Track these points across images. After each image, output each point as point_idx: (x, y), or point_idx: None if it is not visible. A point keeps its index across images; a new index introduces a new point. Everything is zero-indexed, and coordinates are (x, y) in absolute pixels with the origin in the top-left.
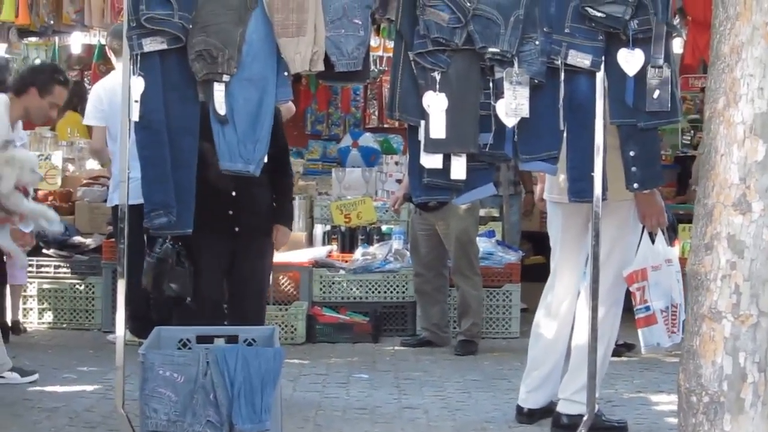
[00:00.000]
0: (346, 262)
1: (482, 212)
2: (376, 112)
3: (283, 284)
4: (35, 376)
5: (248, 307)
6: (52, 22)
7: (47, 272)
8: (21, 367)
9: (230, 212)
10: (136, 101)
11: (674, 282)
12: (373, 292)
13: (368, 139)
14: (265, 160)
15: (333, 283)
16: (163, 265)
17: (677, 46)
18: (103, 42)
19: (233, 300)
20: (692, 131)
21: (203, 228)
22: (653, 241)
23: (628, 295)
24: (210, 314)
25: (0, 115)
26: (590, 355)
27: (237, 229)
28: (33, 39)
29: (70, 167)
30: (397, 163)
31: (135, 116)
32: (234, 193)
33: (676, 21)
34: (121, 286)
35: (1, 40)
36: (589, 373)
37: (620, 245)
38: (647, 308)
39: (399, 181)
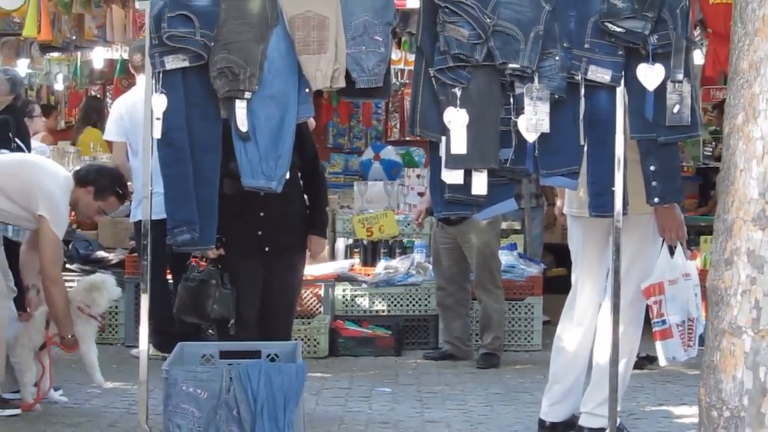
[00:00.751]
0: (369, 275)
1: (504, 225)
2: (398, 125)
3: (305, 298)
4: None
5: (278, 323)
6: (74, 37)
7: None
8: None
9: (259, 232)
10: (158, 119)
11: (691, 296)
12: (395, 306)
13: (390, 152)
14: (288, 176)
15: (355, 297)
16: (206, 287)
17: (698, 57)
18: (125, 57)
19: (263, 316)
20: (713, 143)
21: (234, 249)
22: (672, 255)
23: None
24: (248, 336)
25: (60, 199)
26: (611, 369)
27: (267, 248)
28: (55, 54)
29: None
30: (418, 176)
31: (157, 134)
32: (262, 214)
33: (697, 33)
34: (145, 301)
35: (24, 55)
36: (610, 386)
37: (641, 259)
38: (663, 322)
39: (421, 194)
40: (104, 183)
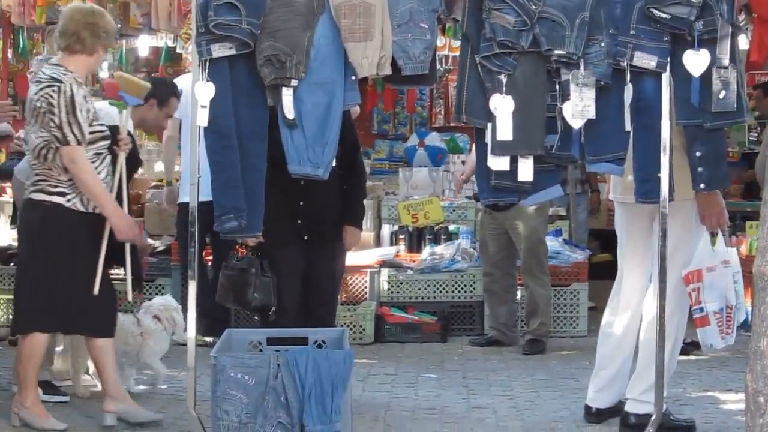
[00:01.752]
0: (414, 262)
1: (550, 211)
2: (443, 112)
3: (351, 284)
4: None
5: (322, 311)
6: (119, 25)
7: (117, 274)
8: None
9: (298, 221)
10: (204, 106)
11: (730, 283)
12: (440, 292)
13: (435, 139)
14: (334, 163)
15: (401, 283)
16: (246, 275)
17: (743, 42)
18: (170, 45)
19: (306, 304)
20: (759, 128)
21: (274, 237)
22: (714, 242)
23: None
24: (290, 323)
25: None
26: (658, 355)
27: (306, 237)
28: None
29: (139, 170)
30: (463, 163)
31: (204, 121)
32: (301, 202)
33: (742, 18)
34: (192, 287)
35: None
36: (656, 372)
37: (683, 245)
38: (701, 309)
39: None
40: (163, 91)
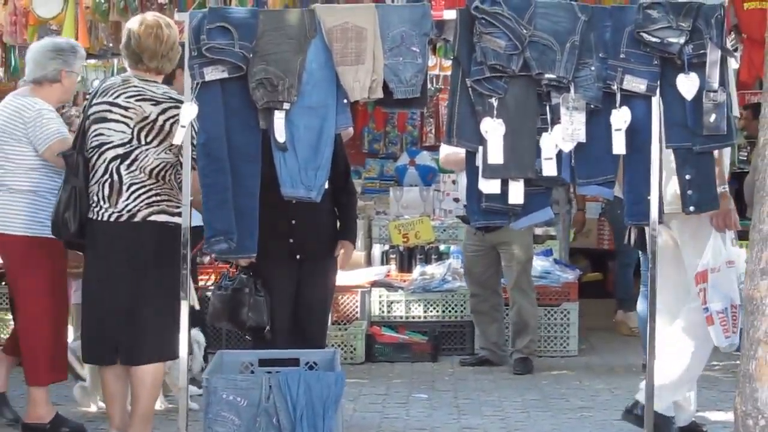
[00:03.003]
0: (405, 281)
1: (539, 231)
2: (433, 131)
3: (342, 304)
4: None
5: (312, 330)
6: (111, 44)
7: None
8: None
9: (291, 240)
10: (183, 126)
11: (734, 283)
12: (431, 312)
13: (425, 158)
14: (326, 186)
15: (392, 303)
16: (240, 295)
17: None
18: None
19: (297, 323)
20: (749, 147)
21: (266, 257)
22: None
23: None
24: (283, 343)
25: None
26: (648, 379)
27: (298, 256)
28: (92, 61)
29: None
30: (454, 182)
31: (178, 140)
32: (294, 221)
33: (732, 38)
34: (185, 308)
35: None
36: (646, 393)
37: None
38: (706, 309)
39: (456, 200)
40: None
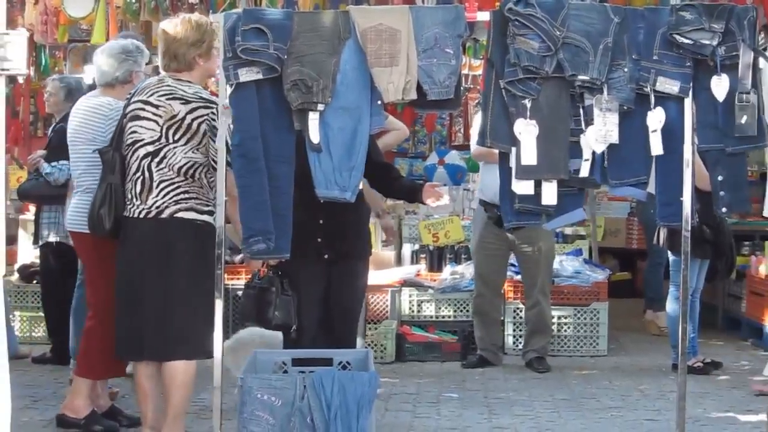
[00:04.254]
0: (435, 281)
1: (569, 231)
2: (462, 130)
3: (373, 303)
4: None
5: (342, 329)
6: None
7: None
8: None
9: (318, 239)
10: (228, 126)
11: None
12: (461, 311)
13: (454, 157)
14: (360, 186)
15: (422, 302)
16: (267, 294)
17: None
18: None
19: (327, 324)
20: None
21: (294, 256)
22: None
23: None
24: (309, 343)
25: None
26: (680, 376)
27: (326, 255)
28: None
29: None
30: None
31: (222, 143)
32: (321, 221)
33: (762, 38)
34: (219, 306)
35: (91, 61)
36: (678, 394)
37: None
38: None
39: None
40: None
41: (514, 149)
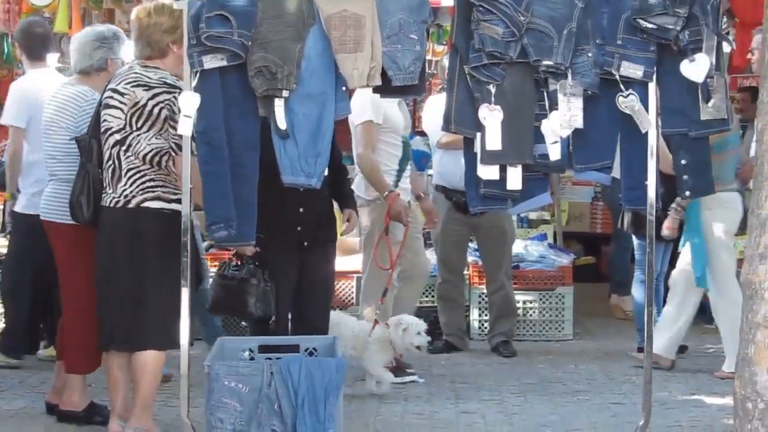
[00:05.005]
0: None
1: (533, 215)
2: None
3: (338, 290)
4: (414, 377)
5: (318, 315)
6: None
7: None
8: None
9: (299, 228)
10: (188, 116)
11: None
12: (426, 297)
13: (418, 143)
14: (326, 173)
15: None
16: (247, 285)
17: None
18: None
19: (300, 310)
20: (741, 131)
21: (273, 245)
22: None
23: None
24: (285, 332)
25: None
26: (646, 360)
27: (306, 243)
28: None
29: None
30: None
31: (188, 131)
32: (301, 209)
33: (724, 22)
34: (185, 296)
35: (54, 50)
36: (645, 378)
37: None
38: None
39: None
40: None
41: (478, 134)
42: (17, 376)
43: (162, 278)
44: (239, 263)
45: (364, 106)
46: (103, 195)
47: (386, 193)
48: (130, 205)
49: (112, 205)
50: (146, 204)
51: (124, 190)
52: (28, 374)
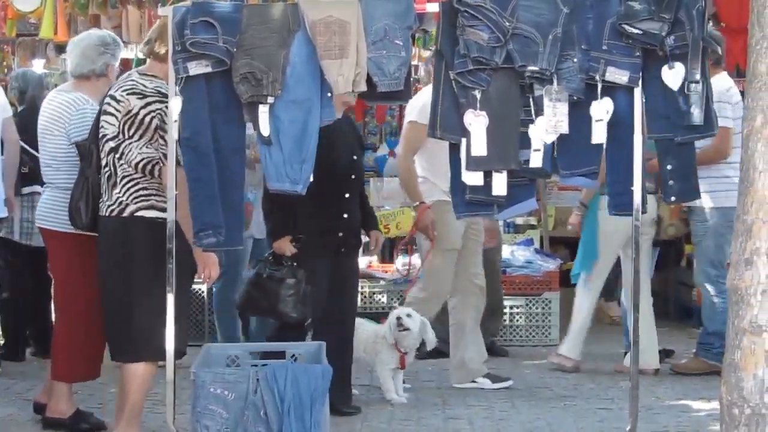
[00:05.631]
0: (386, 272)
1: (520, 221)
2: None
3: None
4: (509, 383)
5: (351, 322)
6: None
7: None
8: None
9: (340, 234)
10: (175, 121)
11: None
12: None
13: None
14: (311, 179)
15: (374, 294)
16: (287, 286)
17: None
18: (140, 56)
19: (332, 317)
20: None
21: (316, 250)
22: None
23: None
24: (318, 336)
25: None
26: (632, 366)
27: (343, 249)
28: None
29: None
30: None
31: (175, 135)
32: (345, 215)
33: (710, 26)
34: (170, 300)
35: (39, 55)
36: (632, 383)
37: None
38: None
39: None
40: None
41: (464, 140)
42: (2, 383)
43: (156, 289)
44: (279, 263)
45: (414, 105)
46: (100, 203)
47: (416, 203)
48: (124, 214)
49: (107, 213)
50: (140, 213)
51: (119, 197)
52: (14, 381)
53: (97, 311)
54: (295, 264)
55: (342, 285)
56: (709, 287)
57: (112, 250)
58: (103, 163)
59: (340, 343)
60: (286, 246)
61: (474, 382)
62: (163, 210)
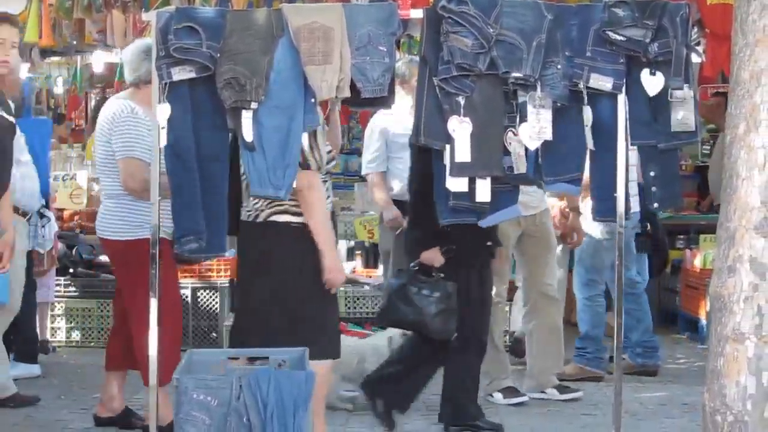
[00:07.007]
0: (371, 277)
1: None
2: None
3: None
4: (578, 394)
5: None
6: (74, 42)
7: (74, 291)
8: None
9: (488, 243)
10: (163, 127)
11: None
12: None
13: None
14: (294, 185)
15: (358, 299)
16: (450, 301)
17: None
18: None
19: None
20: (711, 141)
21: (465, 259)
22: None
23: None
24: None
25: None
26: (617, 371)
27: (484, 261)
28: (55, 58)
29: (95, 187)
30: None
31: (163, 142)
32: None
33: (695, 32)
34: (153, 305)
35: (24, 59)
36: (615, 391)
37: None
38: None
39: None
40: None
41: (448, 146)
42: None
43: (288, 295)
44: (427, 274)
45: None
46: (242, 208)
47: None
48: (258, 220)
49: (244, 218)
50: (274, 218)
51: (255, 203)
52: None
53: (164, 310)
54: (442, 275)
55: (485, 297)
56: (582, 291)
57: (247, 256)
58: (242, 170)
59: (478, 357)
60: (435, 256)
61: (543, 392)
62: (297, 215)
